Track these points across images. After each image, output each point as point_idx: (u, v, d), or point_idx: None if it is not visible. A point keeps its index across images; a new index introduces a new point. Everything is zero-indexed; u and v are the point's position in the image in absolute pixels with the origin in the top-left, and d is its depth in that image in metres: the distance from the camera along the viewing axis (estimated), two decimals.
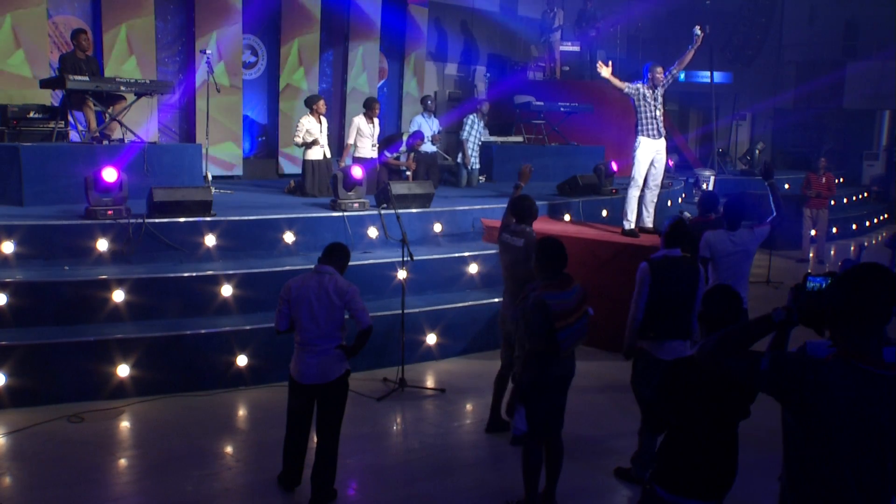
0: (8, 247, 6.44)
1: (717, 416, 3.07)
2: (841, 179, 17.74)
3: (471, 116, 12.02)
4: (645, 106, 8.02)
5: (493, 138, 13.37)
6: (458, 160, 12.09)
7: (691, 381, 3.06)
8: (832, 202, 13.27)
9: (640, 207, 8.40)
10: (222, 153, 11.63)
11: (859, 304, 2.16)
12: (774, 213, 5.86)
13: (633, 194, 8.28)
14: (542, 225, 8.67)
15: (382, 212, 7.83)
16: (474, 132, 11.90)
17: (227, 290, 6.68)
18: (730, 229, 5.68)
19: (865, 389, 2.15)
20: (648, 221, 8.45)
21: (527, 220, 5.51)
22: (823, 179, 12.65)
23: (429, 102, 11.25)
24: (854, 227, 16.16)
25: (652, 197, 8.39)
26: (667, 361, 4.78)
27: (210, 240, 7.17)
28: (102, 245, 6.75)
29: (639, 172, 8.16)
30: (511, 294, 5.40)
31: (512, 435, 4.55)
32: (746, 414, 3.12)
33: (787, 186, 16.56)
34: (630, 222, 8.32)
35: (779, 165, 20.55)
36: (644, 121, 8.06)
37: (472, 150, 11.94)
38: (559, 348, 4.15)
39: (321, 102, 9.82)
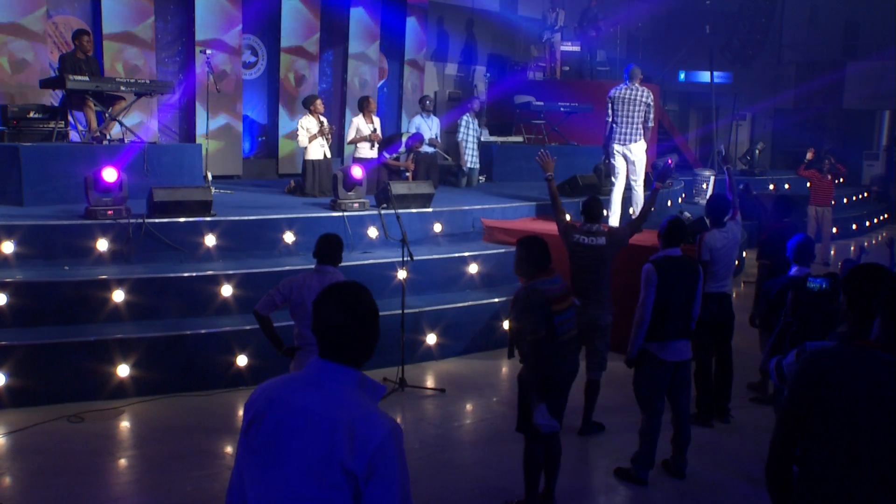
0: (8, 247, 6.44)
1: None
2: (841, 179, 17.75)
3: (465, 117, 11.94)
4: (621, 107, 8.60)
5: (493, 138, 13.34)
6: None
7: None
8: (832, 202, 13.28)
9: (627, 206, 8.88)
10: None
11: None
12: (731, 196, 6.19)
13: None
14: (542, 224, 8.68)
15: (382, 212, 7.82)
16: (470, 132, 11.85)
17: (227, 290, 6.68)
18: (719, 226, 5.88)
19: (883, 377, 2.17)
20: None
21: (598, 220, 5.70)
22: (829, 176, 12.67)
23: (427, 102, 11.22)
24: (854, 227, 16.17)
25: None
26: (671, 363, 4.81)
27: (210, 240, 7.17)
28: (102, 245, 6.75)
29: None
30: (602, 295, 5.55)
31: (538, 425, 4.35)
32: None
33: (787, 186, 16.58)
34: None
35: (779, 165, 20.57)
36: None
37: (471, 149, 11.90)
38: (556, 333, 4.18)
39: (318, 102, 9.85)
